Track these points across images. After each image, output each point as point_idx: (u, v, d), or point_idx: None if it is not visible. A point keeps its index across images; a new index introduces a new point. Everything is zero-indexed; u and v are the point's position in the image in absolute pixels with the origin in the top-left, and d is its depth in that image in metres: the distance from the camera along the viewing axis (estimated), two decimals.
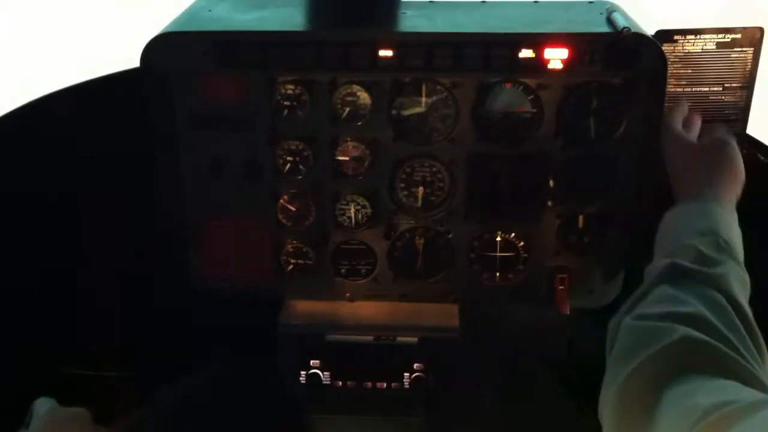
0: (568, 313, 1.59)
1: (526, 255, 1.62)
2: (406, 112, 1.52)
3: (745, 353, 0.94)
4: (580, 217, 1.58)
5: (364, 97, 1.51)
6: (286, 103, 1.51)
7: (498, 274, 1.64)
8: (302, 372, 1.65)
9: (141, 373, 1.81)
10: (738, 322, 1.00)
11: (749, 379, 0.89)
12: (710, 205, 1.23)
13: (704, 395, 0.84)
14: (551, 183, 1.55)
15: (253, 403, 1.62)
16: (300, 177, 1.56)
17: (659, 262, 1.12)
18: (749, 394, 0.84)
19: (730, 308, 1.01)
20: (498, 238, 1.62)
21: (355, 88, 1.50)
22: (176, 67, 1.48)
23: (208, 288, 1.68)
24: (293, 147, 1.54)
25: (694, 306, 0.99)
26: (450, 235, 1.62)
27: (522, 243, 1.61)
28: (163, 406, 1.59)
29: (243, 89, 1.51)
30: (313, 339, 1.64)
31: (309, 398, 1.65)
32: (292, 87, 1.50)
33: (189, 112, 1.53)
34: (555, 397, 1.58)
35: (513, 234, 1.61)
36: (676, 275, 1.06)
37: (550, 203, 1.58)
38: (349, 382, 1.65)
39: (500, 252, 1.62)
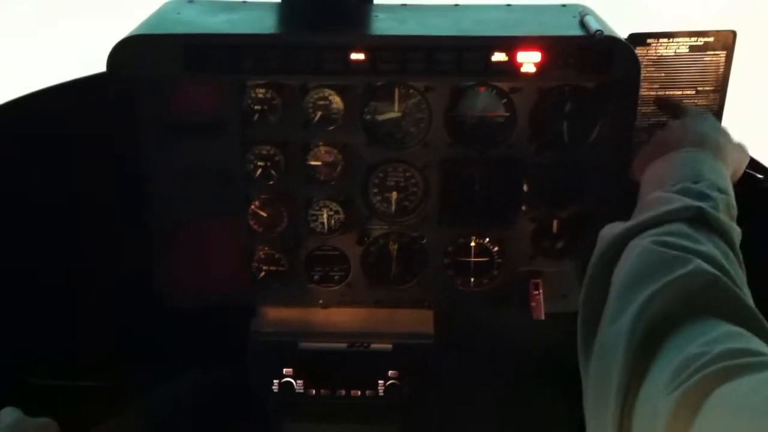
0: (543, 318, 1.58)
1: (500, 260, 1.61)
2: (381, 117, 1.50)
3: (752, 304, 0.93)
4: (555, 222, 1.58)
5: (336, 101, 1.49)
6: (257, 107, 1.49)
7: (472, 279, 1.63)
8: (275, 380, 1.62)
9: (112, 384, 1.78)
10: (744, 277, 1.00)
11: (757, 327, 0.87)
12: (728, 172, 1.23)
13: (714, 340, 0.81)
14: (525, 187, 1.55)
15: (226, 413, 1.59)
16: (272, 182, 1.54)
17: (675, 198, 1.09)
18: (757, 345, 0.82)
19: (737, 263, 1.02)
20: (472, 243, 1.60)
21: (327, 92, 1.49)
22: (144, 71, 1.45)
23: (180, 296, 1.65)
24: (265, 152, 1.52)
25: (710, 249, 0.98)
26: (424, 240, 1.60)
27: (496, 248, 1.60)
28: (134, 419, 1.56)
29: (213, 94, 1.49)
30: (286, 347, 1.61)
31: (282, 407, 1.63)
32: (263, 91, 1.48)
33: (158, 118, 1.51)
34: (531, 403, 1.57)
35: (487, 239, 1.60)
36: (695, 218, 1.04)
37: (524, 207, 1.57)
38: (322, 390, 1.63)
39: (474, 257, 1.61)
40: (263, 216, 1.57)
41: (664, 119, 1.49)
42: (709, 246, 0.98)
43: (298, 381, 1.62)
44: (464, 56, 1.43)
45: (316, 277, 1.63)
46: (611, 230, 1.08)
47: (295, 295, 1.64)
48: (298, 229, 1.59)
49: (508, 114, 1.49)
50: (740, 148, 1.35)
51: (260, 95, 1.48)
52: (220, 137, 1.52)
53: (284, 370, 1.62)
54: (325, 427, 1.68)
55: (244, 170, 1.53)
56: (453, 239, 1.60)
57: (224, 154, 1.53)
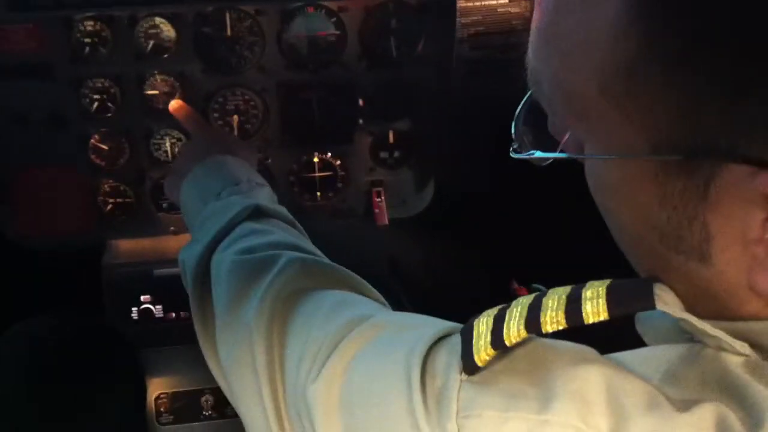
0: (387, 223, 1.68)
1: (343, 173, 1.69)
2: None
3: (328, 261, 1.00)
4: (390, 134, 1.67)
5: (167, 30, 1.50)
6: (86, 40, 1.47)
7: (319, 194, 1.70)
8: (133, 309, 1.65)
9: None
10: (307, 238, 1.10)
11: (351, 280, 0.94)
12: (246, 162, 1.31)
13: (334, 313, 0.83)
14: (361, 103, 1.62)
15: (83, 347, 1.60)
16: (110, 115, 1.54)
17: (229, 203, 1.13)
18: (369, 304, 0.88)
19: (297, 229, 1.12)
20: (315, 160, 1.67)
21: (158, 20, 1.49)
22: None
23: (24, 241, 1.63)
24: (99, 85, 1.51)
25: (280, 235, 1.05)
26: (268, 161, 1.65)
27: (339, 162, 1.68)
28: None
29: (38, 32, 1.45)
30: (141, 275, 1.64)
31: (143, 334, 1.66)
32: (91, 24, 1.46)
33: None
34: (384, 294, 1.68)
35: (329, 154, 1.67)
36: (254, 214, 1.10)
37: (361, 122, 1.65)
38: (182, 313, 1.67)
39: (319, 173, 1.68)
40: (104, 150, 1.57)
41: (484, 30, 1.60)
42: (278, 232, 1.07)
43: (157, 307, 1.66)
44: None
45: (164, 205, 1.65)
46: (189, 253, 1.08)
47: (144, 225, 1.66)
48: (141, 159, 1.60)
49: (338, 32, 1.55)
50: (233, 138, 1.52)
51: (89, 28, 1.46)
52: (51, 78, 1.49)
53: (141, 297, 1.65)
54: (186, 349, 1.73)
55: (80, 106, 1.52)
56: (296, 158, 1.66)
57: (57, 94, 1.51)
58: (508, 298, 1.44)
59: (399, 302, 1.71)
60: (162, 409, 1.69)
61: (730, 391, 0.54)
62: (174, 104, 1.49)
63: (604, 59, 0.55)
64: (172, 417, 1.69)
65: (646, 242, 0.60)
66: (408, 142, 1.68)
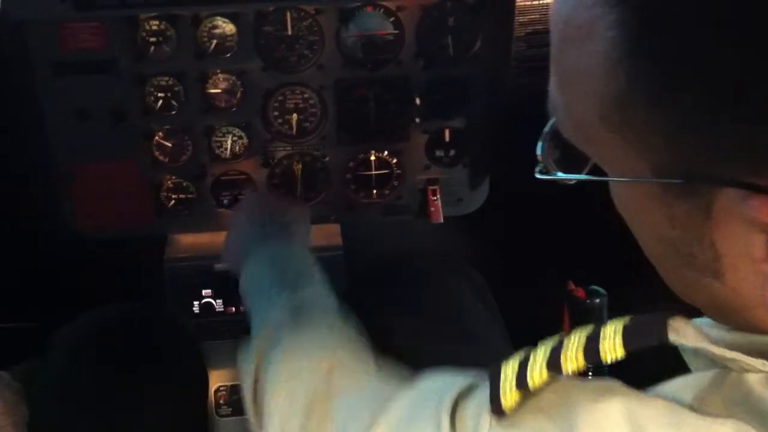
0: (441, 221, 1.69)
1: (399, 171, 1.71)
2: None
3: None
4: (446, 132, 1.68)
5: (229, 29, 1.53)
6: (151, 39, 1.51)
7: (374, 191, 1.72)
8: (195, 302, 1.70)
9: (33, 324, 1.81)
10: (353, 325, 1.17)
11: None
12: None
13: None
14: (417, 101, 1.63)
15: (148, 337, 1.65)
16: (174, 113, 1.58)
17: (282, 306, 1.21)
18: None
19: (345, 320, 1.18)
20: (372, 158, 1.69)
21: (220, 20, 1.52)
22: (33, 13, 1.45)
23: (88, 234, 1.68)
24: (163, 83, 1.56)
25: (321, 336, 1.14)
26: (326, 159, 1.68)
27: (395, 160, 1.69)
28: (56, 353, 1.60)
29: (103, 31, 1.50)
30: (202, 270, 1.68)
31: (204, 326, 1.70)
32: (156, 23, 1.50)
33: (49, 59, 1.51)
34: (444, 286, 1.70)
35: (386, 152, 1.69)
36: (301, 314, 1.17)
37: (417, 120, 1.66)
38: (242, 308, 1.70)
39: (375, 170, 1.70)
40: (168, 146, 1.61)
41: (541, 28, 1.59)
42: (321, 330, 1.14)
43: (217, 301, 1.70)
44: None
45: (225, 201, 1.69)
46: (245, 362, 1.19)
47: (206, 220, 1.70)
48: (203, 156, 1.64)
49: (396, 31, 1.57)
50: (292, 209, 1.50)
51: (154, 27, 1.50)
52: (115, 76, 1.54)
53: (203, 291, 1.69)
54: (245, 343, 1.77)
55: (143, 103, 1.57)
56: (353, 155, 1.68)
57: (120, 91, 1.55)
58: (565, 298, 1.45)
59: (455, 302, 1.71)
60: (221, 401, 1.73)
61: (753, 412, 0.55)
62: None
63: (599, 91, 0.58)
64: (230, 409, 1.73)
65: (665, 258, 0.63)
66: (463, 141, 1.69)
